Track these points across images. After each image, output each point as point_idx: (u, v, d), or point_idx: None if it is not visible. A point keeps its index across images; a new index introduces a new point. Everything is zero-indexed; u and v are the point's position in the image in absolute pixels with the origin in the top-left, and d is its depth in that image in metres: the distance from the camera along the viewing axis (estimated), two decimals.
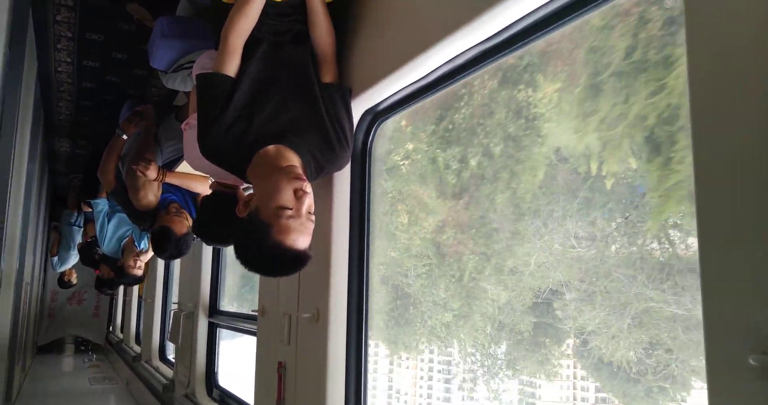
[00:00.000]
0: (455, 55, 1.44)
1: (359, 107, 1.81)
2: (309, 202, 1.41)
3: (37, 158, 5.27)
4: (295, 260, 1.40)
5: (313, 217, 1.43)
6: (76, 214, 6.32)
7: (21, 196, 4.21)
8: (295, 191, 1.39)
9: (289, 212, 1.37)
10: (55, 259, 6.98)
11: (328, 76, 1.75)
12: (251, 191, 1.53)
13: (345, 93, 1.75)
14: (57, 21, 3.63)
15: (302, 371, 1.93)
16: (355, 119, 1.82)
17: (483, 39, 1.35)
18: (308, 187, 1.42)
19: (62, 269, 7.01)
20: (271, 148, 1.56)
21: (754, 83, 0.73)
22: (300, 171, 1.48)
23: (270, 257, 1.40)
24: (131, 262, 3.75)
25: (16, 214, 3.98)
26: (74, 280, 7.37)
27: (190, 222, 2.87)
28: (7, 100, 2.86)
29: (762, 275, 0.69)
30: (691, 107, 0.80)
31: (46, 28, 3.72)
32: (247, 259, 1.44)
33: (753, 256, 0.70)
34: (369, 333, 1.82)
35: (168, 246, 2.81)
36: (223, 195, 2.29)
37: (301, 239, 1.39)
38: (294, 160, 1.56)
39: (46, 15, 3.54)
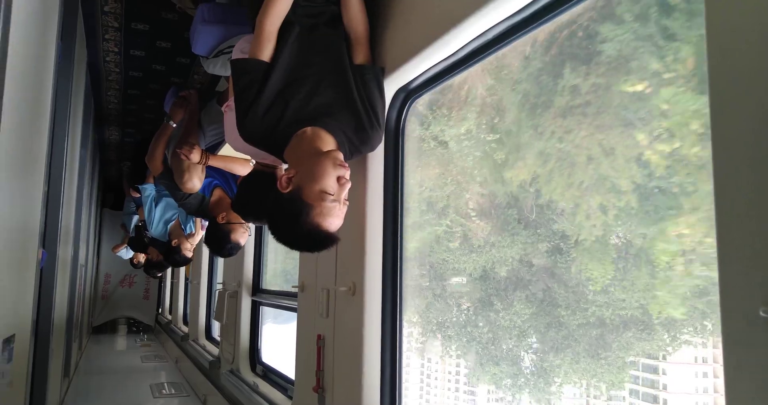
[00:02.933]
0: (485, 29, 1.46)
1: (392, 86, 1.84)
2: (347, 188, 1.51)
3: (89, 146, 5.50)
4: (326, 240, 1.49)
5: (347, 203, 1.52)
6: (132, 201, 6.59)
7: (74, 182, 4.42)
8: (339, 178, 1.48)
9: (332, 197, 1.46)
10: (124, 249, 7.39)
11: (360, 57, 1.78)
12: (289, 169, 1.59)
13: (378, 73, 1.79)
14: (105, 12, 3.78)
15: (340, 343, 2.01)
16: (388, 98, 1.86)
17: (512, 12, 1.36)
18: (349, 174, 1.51)
19: (129, 256, 7.39)
20: (307, 129, 1.62)
21: None
22: (342, 157, 1.55)
23: (305, 235, 1.49)
24: (188, 245, 3.92)
25: (70, 200, 4.18)
26: (143, 261, 7.71)
27: (248, 232, 3.02)
28: (60, 90, 3.00)
29: None
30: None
31: (94, 19, 3.87)
32: (281, 233, 1.53)
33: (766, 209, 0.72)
34: (403, 306, 1.87)
35: (224, 249, 2.99)
36: (263, 174, 2.37)
37: (336, 223, 1.49)
38: (330, 141, 1.61)
39: (94, 6, 3.69)
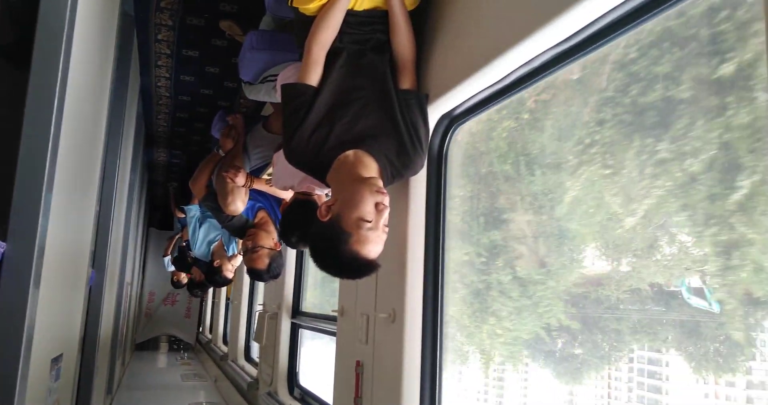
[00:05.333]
0: (529, 58, 1.45)
1: (435, 112, 1.85)
2: (386, 215, 1.51)
3: (139, 168, 5.69)
4: (366, 268, 1.50)
5: (387, 229, 1.52)
6: (179, 221, 6.78)
7: (124, 202, 4.56)
8: (377, 205, 1.49)
9: (369, 224, 1.47)
10: (167, 259, 7.57)
11: (406, 83, 1.80)
12: (331, 197, 1.61)
13: (421, 99, 1.80)
14: (158, 40, 3.94)
15: (379, 370, 1.99)
16: (432, 124, 1.87)
17: (556, 43, 1.35)
18: (387, 201, 1.51)
19: (171, 269, 7.56)
20: (350, 153, 1.64)
21: None
22: (381, 184, 1.56)
23: (344, 263, 1.50)
24: (228, 265, 3.99)
25: (119, 219, 4.31)
26: (183, 281, 7.85)
27: (270, 248, 3.02)
28: (114, 115, 3.13)
29: None
30: None
31: (148, 47, 4.04)
32: (322, 261, 1.55)
33: None
34: (444, 333, 1.84)
35: (265, 277, 3.04)
36: (303, 202, 2.43)
37: (375, 250, 1.49)
38: (372, 165, 1.63)
39: (148, 35, 3.85)
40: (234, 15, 3.55)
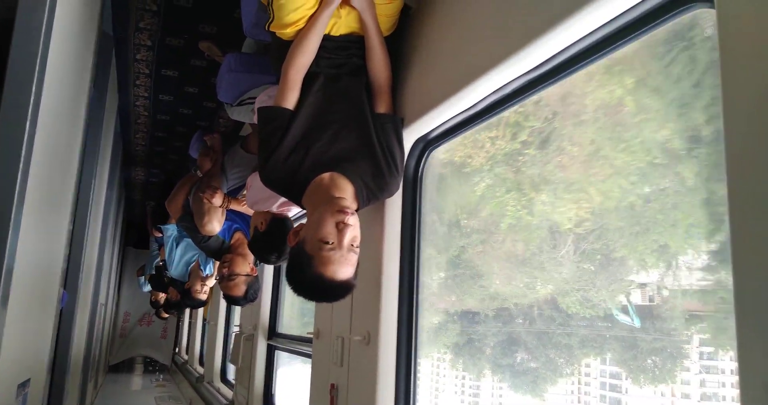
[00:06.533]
0: (502, 84, 1.48)
1: (411, 136, 1.87)
2: (352, 234, 1.47)
3: (115, 186, 5.63)
4: (336, 290, 1.48)
5: (356, 249, 1.49)
6: (155, 241, 6.68)
7: (99, 221, 4.50)
8: (337, 224, 1.46)
9: (330, 245, 1.45)
10: (142, 278, 7.43)
11: (382, 107, 1.82)
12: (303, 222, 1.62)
13: (397, 122, 1.82)
14: (137, 59, 3.94)
15: (353, 393, 1.97)
16: (407, 147, 1.89)
17: (527, 70, 1.39)
18: (351, 219, 1.48)
19: (148, 289, 7.43)
20: (325, 175, 1.65)
21: None
22: (346, 203, 1.54)
23: (312, 287, 1.49)
24: (198, 287, 3.93)
25: (94, 238, 4.25)
26: (161, 301, 7.71)
27: (247, 274, 2.99)
28: (90, 134, 3.10)
29: None
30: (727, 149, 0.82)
31: (126, 67, 4.03)
32: (294, 286, 1.55)
33: None
34: (418, 355, 1.84)
35: (242, 303, 3.02)
36: (280, 221, 2.44)
37: (341, 271, 1.46)
38: (347, 187, 1.64)
39: (127, 55, 3.85)
40: (213, 36, 3.57)
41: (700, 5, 1.00)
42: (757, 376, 0.73)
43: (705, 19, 1.06)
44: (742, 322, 0.76)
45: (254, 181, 2.25)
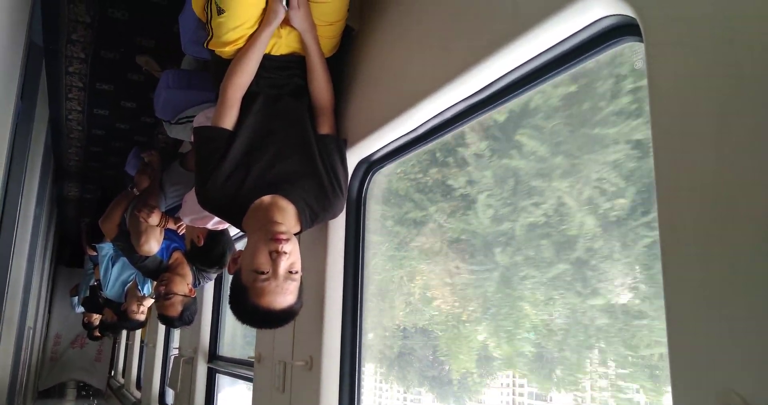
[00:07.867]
0: (443, 109, 1.49)
1: (354, 157, 1.86)
2: (288, 262, 1.41)
3: (45, 202, 5.36)
4: (275, 319, 1.43)
5: (295, 276, 1.43)
6: (90, 260, 6.38)
7: (27, 239, 4.27)
8: (271, 253, 1.40)
9: (264, 275, 1.39)
10: (75, 299, 7.06)
11: (325, 128, 1.80)
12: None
13: (340, 143, 1.80)
14: (69, 72, 3.78)
15: None
16: (351, 169, 1.87)
17: (467, 95, 1.40)
18: (287, 247, 1.41)
19: (81, 311, 7.06)
20: (266, 198, 1.60)
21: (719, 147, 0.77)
22: (281, 229, 1.46)
23: (251, 316, 1.44)
24: (134, 307, 3.76)
25: (21, 257, 4.02)
26: (95, 322, 7.36)
27: (185, 295, 2.89)
28: (17, 148, 2.95)
29: (731, 333, 0.71)
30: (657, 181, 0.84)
31: (58, 80, 3.86)
32: (235, 314, 1.49)
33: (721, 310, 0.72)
34: (362, 381, 1.81)
35: (176, 324, 2.90)
36: (215, 234, 2.40)
37: (278, 300, 1.40)
38: (289, 208, 1.59)
39: (58, 67, 3.69)
40: (151, 50, 3.46)
41: (629, 39, 1.03)
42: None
43: (636, 52, 1.10)
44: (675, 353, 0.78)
45: (190, 196, 2.18)
